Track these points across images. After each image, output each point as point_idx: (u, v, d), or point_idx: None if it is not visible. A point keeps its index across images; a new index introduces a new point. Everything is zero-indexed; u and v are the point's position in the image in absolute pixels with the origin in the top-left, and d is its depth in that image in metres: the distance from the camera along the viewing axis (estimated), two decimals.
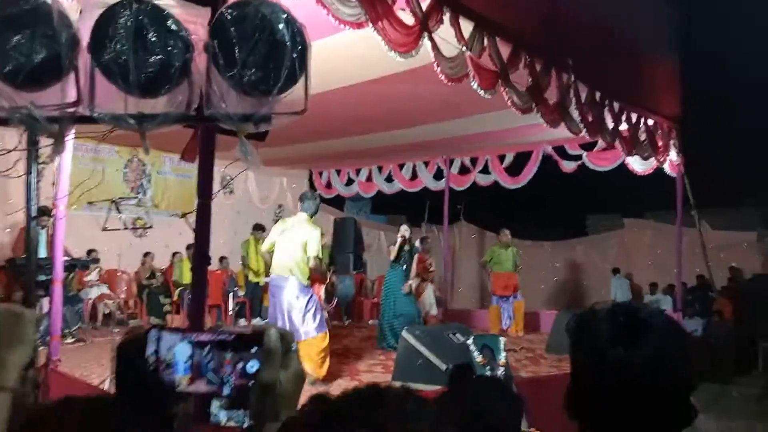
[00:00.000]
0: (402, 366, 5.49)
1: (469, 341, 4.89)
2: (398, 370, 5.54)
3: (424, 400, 0.79)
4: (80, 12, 2.28)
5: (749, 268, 11.74)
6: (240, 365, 1.20)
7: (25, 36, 2.13)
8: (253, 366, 1.18)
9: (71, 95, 2.25)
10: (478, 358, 4.71)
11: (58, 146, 2.32)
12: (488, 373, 4.58)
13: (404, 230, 8.10)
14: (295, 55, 2.16)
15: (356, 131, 8.34)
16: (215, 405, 1.50)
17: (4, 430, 1.05)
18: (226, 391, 1.17)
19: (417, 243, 8.32)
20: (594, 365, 1.07)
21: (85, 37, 2.25)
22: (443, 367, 5.08)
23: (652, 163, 8.34)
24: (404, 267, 7.97)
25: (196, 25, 2.25)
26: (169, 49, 2.15)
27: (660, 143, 8.12)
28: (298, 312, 5.38)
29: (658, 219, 13.52)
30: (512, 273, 9.69)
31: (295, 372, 1.14)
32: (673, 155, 8.55)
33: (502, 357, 4.74)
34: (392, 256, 8.00)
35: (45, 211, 7.95)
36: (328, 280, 6.48)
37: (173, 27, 2.20)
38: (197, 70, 2.24)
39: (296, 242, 5.46)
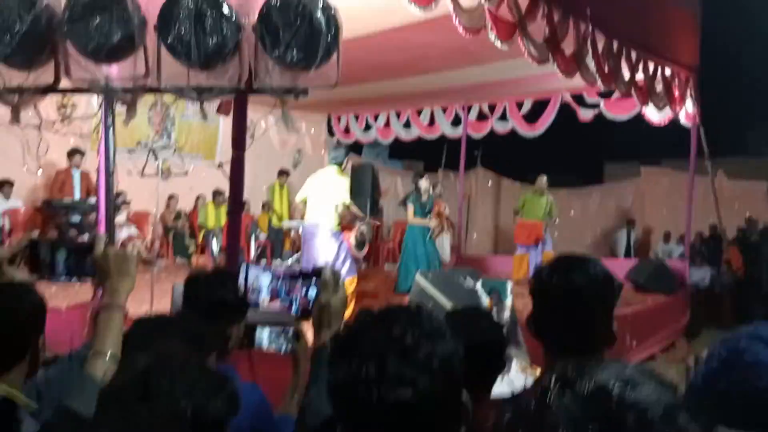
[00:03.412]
0: None
1: (478, 285, 5.18)
2: None
3: (433, 313, 1.07)
4: None
5: (765, 218, 11.83)
6: (304, 290, 1.78)
7: (104, 19, 2.50)
8: (313, 291, 1.74)
9: (141, 69, 2.59)
10: (485, 301, 5.00)
11: (131, 112, 2.69)
12: (494, 315, 4.88)
13: (426, 186, 7.90)
14: (330, 37, 2.51)
15: (375, 78, 8.44)
16: (260, 333, 1.88)
17: (120, 340, 1.38)
18: (293, 308, 1.70)
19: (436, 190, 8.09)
20: (544, 293, 1.51)
21: (152, 20, 2.57)
22: (452, 308, 5.38)
23: (668, 113, 8.39)
24: (426, 215, 7.89)
25: (247, 10, 2.57)
26: (223, 31, 2.50)
27: (676, 93, 8.17)
28: (331, 257, 5.73)
29: (675, 167, 13.52)
30: (539, 222, 9.39)
31: (342, 296, 1.60)
32: (689, 105, 8.59)
33: (508, 301, 5.03)
34: (409, 217, 7.84)
35: (78, 151, 8.30)
36: (357, 228, 6.64)
37: (227, 12, 2.56)
38: (247, 49, 2.58)
39: (326, 192, 5.80)
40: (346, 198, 5.80)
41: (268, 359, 2.33)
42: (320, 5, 2.60)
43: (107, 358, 1.37)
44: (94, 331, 1.54)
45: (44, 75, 2.66)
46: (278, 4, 2.61)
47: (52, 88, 2.72)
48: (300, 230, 9.26)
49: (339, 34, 2.63)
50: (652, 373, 0.72)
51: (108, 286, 1.49)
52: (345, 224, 5.88)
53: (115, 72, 2.65)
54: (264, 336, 1.93)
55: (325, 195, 5.81)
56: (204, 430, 1.11)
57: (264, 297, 1.86)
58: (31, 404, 1.38)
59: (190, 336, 1.52)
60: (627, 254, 12.69)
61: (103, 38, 2.51)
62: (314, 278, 1.77)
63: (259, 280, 1.85)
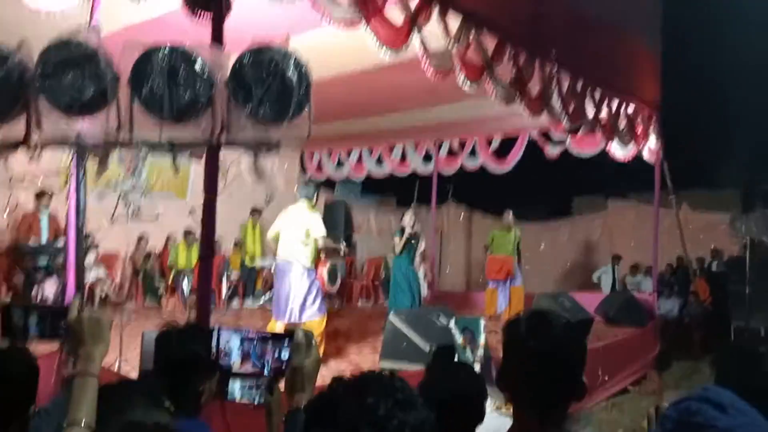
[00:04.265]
0: (389, 346, 5.79)
1: (451, 323, 5.21)
2: (385, 350, 5.84)
3: (405, 381, 1.08)
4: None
5: (730, 250, 12.11)
6: (277, 353, 1.80)
7: (77, 75, 2.50)
8: (285, 354, 1.77)
9: (113, 123, 2.60)
10: (459, 339, 5.03)
11: (103, 166, 2.69)
12: (468, 353, 4.90)
13: (409, 221, 8.00)
14: (301, 92, 2.55)
15: (347, 116, 8.55)
16: (232, 385, 1.87)
17: (94, 409, 1.36)
18: (266, 371, 1.69)
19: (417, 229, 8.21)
20: (514, 351, 1.53)
21: (125, 75, 2.58)
22: (426, 347, 5.39)
23: (632, 148, 8.62)
24: (410, 252, 8.05)
25: (220, 65, 2.61)
26: (196, 86, 2.53)
27: (639, 129, 8.42)
28: (302, 294, 5.70)
29: (642, 200, 13.79)
30: (508, 257, 9.45)
31: (315, 358, 1.62)
32: (652, 141, 8.84)
33: (481, 338, 5.06)
34: (397, 250, 7.92)
35: (46, 193, 8.17)
36: (329, 263, 6.63)
37: (200, 68, 2.57)
38: (220, 103, 2.61)
39: (299, 228, 5.79)
40: (323, 231, 5.80)
41: (241, 411, 2.31)
42: (292, 62, 2.65)
43: (82, 426, 1.35)
44: (66, 395, 1.52)
45: (15, 129, 2.65)
46: (250, 60, 2.67)
47: (23, 143, 2.71)
48: (273, 268, 9.21)
49: (310, 89, 2.68)
50: None
51: (81, 353, 1.47)
52: (317, 260, 5.87)
53: (87, 126, 2.66)
54: (236, 387, 1.94)
55: (297, 231, 5.80)
56: None
57: (235, 360, 1.85)
58: None
59: (159, 400, 1.52)
60: (614, 290, 12.67)
61: (76, 94, 2.53)
62: (286, 340, 1.77)
63: (230, 344, 1.84)
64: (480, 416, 2.02)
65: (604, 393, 7.00)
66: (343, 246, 7.38)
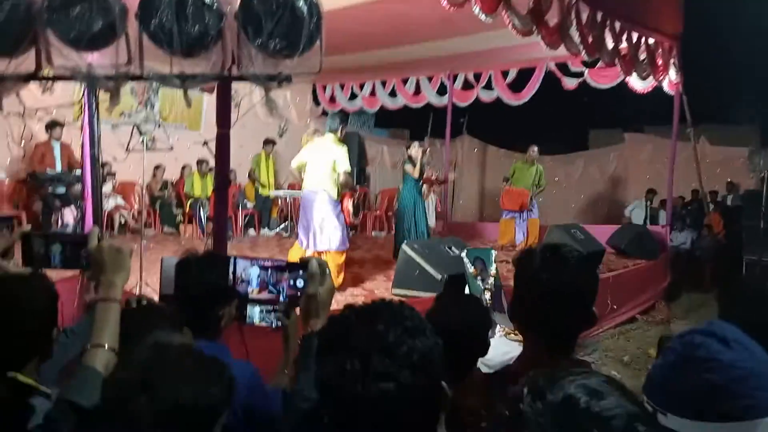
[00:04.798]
0: (401, 276, 5.91)
1: (463, 254, 5.29)
2: (398, 279, 5.97)
3: (415, 309, 1.14)
4: None
5: (746, 184, 12.02)
6: (292, 281, 1.87)
7: (84, 8, 2.49)
8: (300, 282, 1.83)
9: (123, 57, 2.59)
10: (470, 269, 5.12)
11: (114, 99, 2.70)
12: (479, 282, 5.00)
13: (419, 147, 8.03)
14: (312, 25, 2.51)
15: (360, 48, 8.41)
16: (251, 309, 1.97)
17: (117, 332, 1.45)
18: (282, 298, 1.76)
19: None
20: (526, 283, 1.57)
21: (133, 8, 2.55)
22: (438, 276, 5.50)
23: (652, 81, 8.45)
24: (419, 180, 8.07)
25: None
26: (205, 19, 2.49)
27: (659, 62, 8.21)
28: (327, 224, 5.81)
29: (659, 133, 13.64)
30: (525, 190, 9.47)
31: (328, 287, 1.67)
32: (672, 74, 8.64)
33: (492, 268, 5.15)
34: (416, 174, 7.92)
35: (57, 123, 8.23)
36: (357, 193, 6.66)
37: (209, 0, 2.50)
38: (230, 37, 2.58)
39: (325, 160, 5.87)
40: (347, 166, 5.86)
41: (259, 334, 2.41)
42: None
43: (106, 349, 1.43)
44: (89, 320, 1.60)
45: (25, 63, 2.66)
46: None
47: (33, 76, 2.72)
48: (288, 198, 9.28)
49: (321, 21, 2.64)
50: (618, 383, 0.81)
51: (103, 280, 1.52)
52: (343, 192, 5.94)
53: (97, 59, 2.66)
54: (255, 312, 2.02)
55: (324, 163, 5.88)
56: (203, 417, 1.19)
57: (253, 288, 1.92)
58: (45, 390, 1.44)
59: (179, 323, 1.60)
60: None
61: (83, 26, 2.52)
62: (301, 270, 1.82)
63: (248, 272, 1.91)
64: (484, 347, 2.10)
65: (612, 321, 7.15)
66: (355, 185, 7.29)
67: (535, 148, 9.71)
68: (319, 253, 5.73)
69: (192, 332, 1.83)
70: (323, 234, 5.85)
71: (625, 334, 7.05)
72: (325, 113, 12.91)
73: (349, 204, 5.88)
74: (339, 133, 6.13)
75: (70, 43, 2.55)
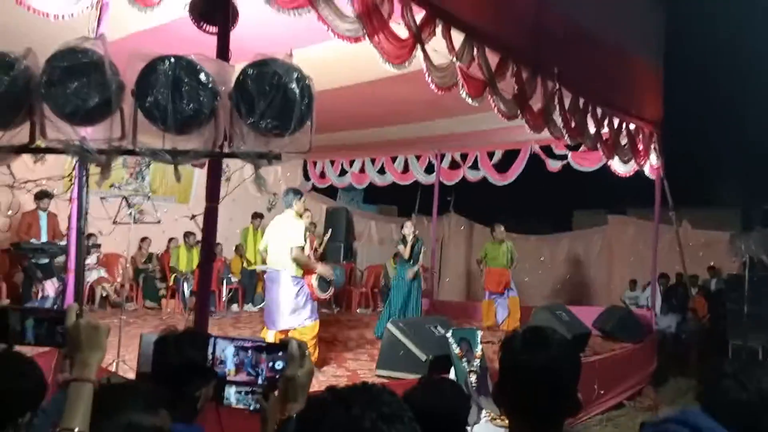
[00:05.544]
0: (386, 355, 5.82)
1: (448, 334, 5.24)
2: (382, 359, 5.87)
3: (395, 394, 1.13)
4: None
5: (729, 268, 12.13)
6: (271, 363, 1.83)
7: (82, 83, 2.55)
8: (280, 364, 1.79)
9: (117, 132, 2.65)
10: (455, 350, 5.06)
11: (105, 173, 2.74)
12: (464, 364, 4.94)
13: (410, 227, 8.29)
14: (303, 106, 2.61)
15: (351, 126, 8.62)
16: (228, 390, 1.92)
17: (89, 415, 1.40)
18: (260, 380, 1.72)
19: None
20: (510, 367, 1.56)
21: (129, 84, 2.64)
22: (423, 357, 5.43)
23: (633, 165, 8.67)
24: (412, 262, 8.22)
25: (224, 78, 2.67)
26: (200, 98, 2.57)
27: (640, 147, 8.47)
28: (291, 303, 5.72)
29: (641, 216, 13.86)
30: (505, 269, 9.58)
31: (308, 369, 1.63)
32: (653, 159, 8.89)
33: (478, 349, 5.10)
34: (406, 256, 8.15)
35: (46, 194, 8.24)
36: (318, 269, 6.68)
37: (204, 79, 2.62)
38: (223, 115, 2.66)
39: (284, 237, 5.82)
40: (299, 241, 5.78)
41: (237, 416, 2.35)
42: (295, 76, 2.69)
43: None
44: (60, 398, 1.55)
45: (19, 135, 2.70)
46: (254, 73, 2.70)
47: (26, 148, 2.75)
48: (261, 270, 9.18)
49: (312, 102, 2.72)
50: None
51: (78, 359, 1.49)
52: (306, 268, 5.88)
53: (90, 133, 2.71)
54: (232, 393, 1.98)
55: (282, 240, 5.84)
56: None
57: (230, 368, 1.88)
58: None
59: (154, 403, 1.56)
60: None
61: (80, 101, 2.56)
62: (280, 351, 1.80)
63: (226, 353, 1.87)
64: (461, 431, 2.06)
65: (599, 407, 7.02)
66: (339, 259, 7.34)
67: (502, 228, 9.80)
68: (285, 332, 5.62)
69: (169, 412, 1.78)
70: (289, 314, 5.75)
71: (612, 420, 6.92)
72: (315, 188, 13.08)
73: (312, 279, 5.82)
74: (296, 207, 6.05)
75: (66, 118, 2.59)
